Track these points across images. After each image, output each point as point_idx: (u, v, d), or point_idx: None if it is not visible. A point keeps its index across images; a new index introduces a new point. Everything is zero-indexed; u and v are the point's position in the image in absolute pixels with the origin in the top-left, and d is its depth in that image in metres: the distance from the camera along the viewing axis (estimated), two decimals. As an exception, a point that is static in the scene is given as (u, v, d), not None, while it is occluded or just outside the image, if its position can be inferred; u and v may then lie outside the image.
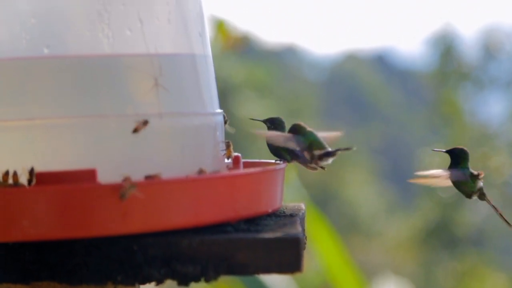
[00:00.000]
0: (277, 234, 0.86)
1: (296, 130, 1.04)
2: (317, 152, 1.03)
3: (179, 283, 0.85)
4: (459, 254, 7.64)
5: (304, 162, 1.03)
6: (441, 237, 7.78)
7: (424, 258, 7.93)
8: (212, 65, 1.03)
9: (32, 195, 0.84)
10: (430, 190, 7.83)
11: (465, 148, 1.04)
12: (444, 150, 1.04)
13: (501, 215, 1.07)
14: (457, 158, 1.03)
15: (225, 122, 1.02)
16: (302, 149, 1.03)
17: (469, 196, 1.05)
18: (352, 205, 9.43)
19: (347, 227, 8.91)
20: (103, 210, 0.84)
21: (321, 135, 1.05)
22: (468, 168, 1.04)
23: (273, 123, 1.05)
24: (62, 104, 0.91)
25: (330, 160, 1.03)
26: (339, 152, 1.03)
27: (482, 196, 1.05)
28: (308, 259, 2.82)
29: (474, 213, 7.92)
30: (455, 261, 7.56)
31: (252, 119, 1.08)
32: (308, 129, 1.04)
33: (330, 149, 1.03)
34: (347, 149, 1.03)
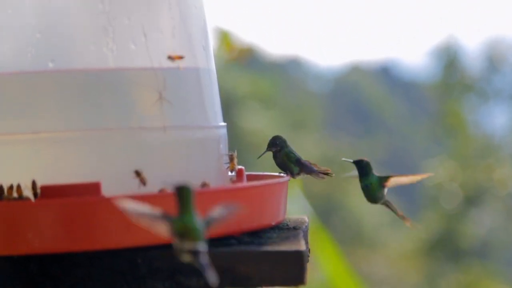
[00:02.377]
0: (280, 247, 0.86)
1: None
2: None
3: (183, 296, 0.85)
4: (463, 266, 7.61)
5: (311, 171, 1.03)
6: (445, 249, 7.76)
7: (428, 270, 7.90)
8: (216, 79, 1.03)
9: (36, 208, 0.84)
10: (434, 202, 7.82)
11: (368, 160, 1.05)
12: (351, 161, 1.06)
13: (402, 217, 1.09)
14: (363, 168, 1.05)
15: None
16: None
17: (374, 201, 1.06)
18: (356, 216, 9.41)
19: (351, 238, 8.88)
20: (107, 222, 0.84)
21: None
22: (374, 176, 1.05)
23: (275, 145, 1.04)
24: (67, 117, 0.92)
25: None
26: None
27: (386, 202, 1.07)
28: (312, 271, 2.82)
29: (478, 225, 7.90)
30: (459, 273, 7.54)
31: (260, 156, 1.05)
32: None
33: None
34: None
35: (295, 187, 2.67)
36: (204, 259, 0.76)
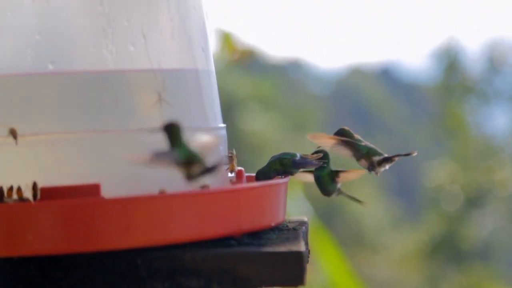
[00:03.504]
0: (280, 248, 0.86)
1: (344, 135, 1.03)
2: (375, 159, 1.02)
3: (183, 297, 0.85)
4: (465, 267, 7.61)
5: (309, 165, 1.02)
6: (447, 251, 7.76)
7: (430, 272, 7.90)
8: (215, 80, 1.03)
9: (36, 210, 0.85)
10: (435, 204, 7.82)
11: (326, 152, 1.03)
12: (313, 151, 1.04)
13: (354, 198, 1.08)
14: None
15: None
16: (359, 156, 1.02)
17: (328, 194, 1.05)
18: (358, 218, 9.41)
19: (352, 240, 8.89)
20: (107, 224, 0.84)
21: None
22: (328, 168, 1.04)
23: (284, 165, 1.02)
24: (67, 119, 0.92)
25: (388, 166, 1.03)
26: (396, 158, 1.02)
27: (339, 192, 1.05)
28: (313, 273, 2.82)
29: (480, 226, 7.90)
30: (461, 275, 7.53)
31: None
32: (356, 135, 1.03)
33: (387, 155, 1.02)
34: (407, 154, 1.03)
35: (295, 188, 2.67)
36: (215, 168, 0.85)
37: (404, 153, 1.03)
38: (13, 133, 0.89)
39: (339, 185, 1.05)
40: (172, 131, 0.85)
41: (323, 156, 1.02)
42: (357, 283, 2.82)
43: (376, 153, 1.03)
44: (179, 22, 0.97)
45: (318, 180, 1.04)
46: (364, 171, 1.05)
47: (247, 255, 0.85)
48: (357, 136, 1.04)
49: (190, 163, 0.85)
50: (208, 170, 0.85)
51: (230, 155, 1.00)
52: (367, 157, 1.03)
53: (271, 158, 1.02)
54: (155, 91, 0.93)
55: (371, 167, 1.03)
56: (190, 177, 0.85)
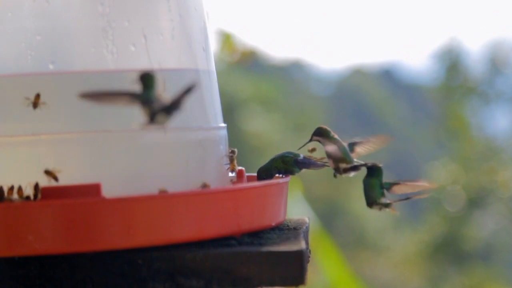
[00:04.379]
0: (281, 247, 0.86)
1: (322, 133, 1.02)
2: (343, 166, 1.02)
3: (183, 297, 0.85)
4: (466, 268, 7.61)
5: (312, 166, 1.02)
6: (449, 252, 7.75)
7: (431, 273, 7.89)
8: (216, 80, 1.03)
9: (37, 209, 0.85)
10: (437, 205, 7.81)
11: (380, 166, 1.03)
12: (363, 163, 1.03)
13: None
14: (373, 171, 1.02)
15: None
16: (337, 159, 1.01)
17: (372, 202, 1.03)
18: (359, 219, 9.40)
19: (354, 242, 8.88)
20: (107, 224, 0.85)
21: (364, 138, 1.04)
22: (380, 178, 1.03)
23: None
24: (67, 119, 0.92)
25: (352, 174, 1.02)
26: (362, 168, 1.01)
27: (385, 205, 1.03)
28: (315, 275, 2.82)
29: (482, 227, 7.90)
30: (463, 276, 7.53)
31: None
32: (333, 135, 1.02)
33: (356, 163, 1.02)
34: (373, 165, 1.02)
35: (296, 190, 2.67)
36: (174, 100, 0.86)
37: (370, 163, 1.02)
38: (36, 99, 0.90)
39: (386, 199, 1.03)
40: (146, 80, 0.86)
41: (375, 167, 1.01)
42: (358, 285, 2.82)
43: (345, 159, 1.01)
44: (180, 22, 0.98)
45: (366, 186, 1.02)
46: (427, 186, 1.04)
47: (247, 255, 0.85)
48: (334, 135, 1.03)
49: (149, 102, 0.86)
50: (167, 109, 0.86)
51: (231, 154, 1.00)
52: (337, 161, 1.02)
53: (274, 156, 1.02)
54: (155, 91, 0.93)
55: (337, 170, 1.02)
56: (151, 117, 0.86)
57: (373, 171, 1.02)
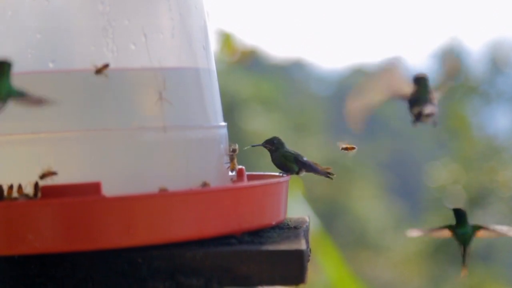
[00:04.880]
0: (281, 246, 0.86)
1: (271, 142, 1.04)
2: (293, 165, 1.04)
3: (183, 296, 0.85)
4: (467, 268, 7.60)
5: (313, 170, 1.03)
6: (449, 252, 7.75)
7: (432, 273, 7.90)
8: (216, 79, 1.03)
9: (37, 208, 0.85)
10: (438, 204, 7.81)
11: (465, 210, 1.08)
12: (450, 207, 1.08)
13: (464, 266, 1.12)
14: (461, 217, 1.08)
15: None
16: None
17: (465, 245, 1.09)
18: (360, 219, 9.41)
19: (354, 241, 8.88)
20: (107, 223, 0.85)
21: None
22: (469, 225, 1.07)
23: (271, 143, 1.05)
24: (67, 118, 0.92)
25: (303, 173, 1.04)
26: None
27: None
28: (315, 275, 2.82)
29: (482, 227, 7.89)
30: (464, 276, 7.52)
31: (253, 145, 1.08)
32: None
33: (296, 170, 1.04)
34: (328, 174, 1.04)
35: (296, 190, 2.67)
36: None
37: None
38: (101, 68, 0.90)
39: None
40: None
41: (463, 212, 1.06)
42: (358, 285, 2.82)
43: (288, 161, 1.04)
44: (180, 21, 0.97)
45: (463, 237, 1.08)
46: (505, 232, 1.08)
47: (247, 254, 0.85)
48: (286, 146, 1.05)
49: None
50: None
51: (231, 152, 1.00)
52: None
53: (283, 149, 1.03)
54: (155, 89, 0.93)
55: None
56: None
57: (461, 217, 1.07)
